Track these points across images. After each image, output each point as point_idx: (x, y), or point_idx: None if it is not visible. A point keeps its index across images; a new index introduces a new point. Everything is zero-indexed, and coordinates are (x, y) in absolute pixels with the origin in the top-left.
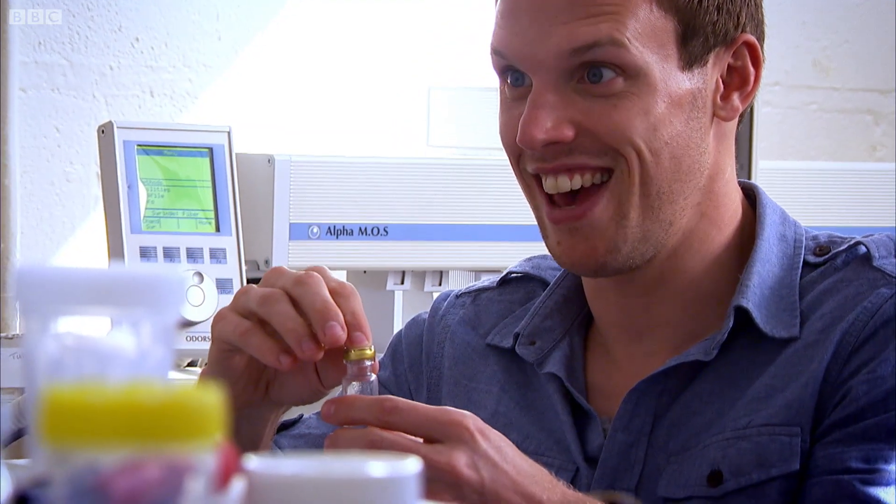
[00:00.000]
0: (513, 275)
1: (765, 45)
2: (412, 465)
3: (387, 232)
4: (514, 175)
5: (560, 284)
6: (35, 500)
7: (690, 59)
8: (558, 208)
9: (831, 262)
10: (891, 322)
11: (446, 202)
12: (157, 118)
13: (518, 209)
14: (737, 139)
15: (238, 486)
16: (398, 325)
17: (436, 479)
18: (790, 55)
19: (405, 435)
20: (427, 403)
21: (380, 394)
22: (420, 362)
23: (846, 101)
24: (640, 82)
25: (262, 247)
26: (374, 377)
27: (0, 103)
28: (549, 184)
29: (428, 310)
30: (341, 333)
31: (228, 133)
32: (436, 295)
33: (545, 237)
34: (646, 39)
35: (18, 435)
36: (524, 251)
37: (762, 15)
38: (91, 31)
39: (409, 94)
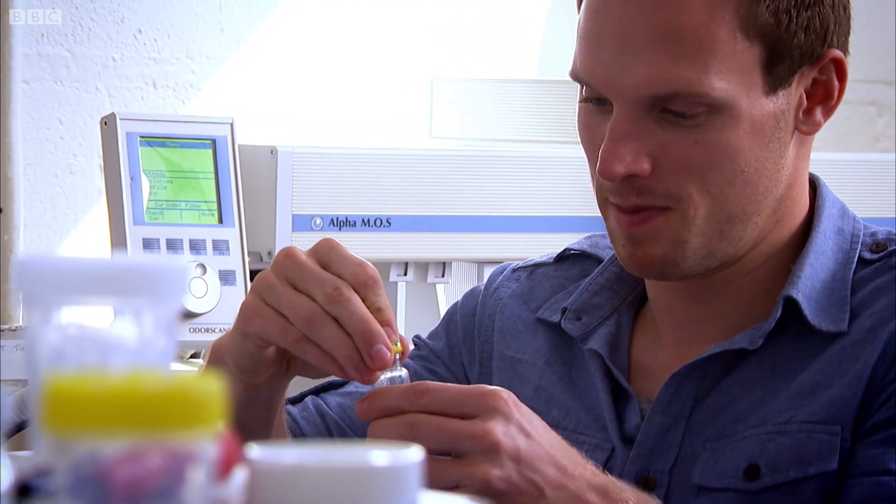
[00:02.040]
0: (570, 251)
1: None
2: (414, 454)
3: (390, 223)
4: (516, 166)
5: (613, 262)
6: (37, 489)
7: (776, 83)
8: (625, 214)
9: (886, 260)
10: None
11: (449, 193)
12: (160, 110)
13: (521, 200)
14: None
15: (240, 474)
16: (402, 317)
17: (474, 449)
18: None
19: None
20: (479, 377)
21: (433, 365)
22: (473, 335)
23: (849, 92)
24: (724, 115)
25: (265, 238)
26: (403, 370)
27: (3, 95)
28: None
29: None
30: (388, 355)
31: (231, 125)
32: (439, 287)
33: (613, 242)
34: (730, 73)
35: (21, 427)
36: (527, 242)
37: (850, 23)
38: (94, 22)
39: (412, 86)
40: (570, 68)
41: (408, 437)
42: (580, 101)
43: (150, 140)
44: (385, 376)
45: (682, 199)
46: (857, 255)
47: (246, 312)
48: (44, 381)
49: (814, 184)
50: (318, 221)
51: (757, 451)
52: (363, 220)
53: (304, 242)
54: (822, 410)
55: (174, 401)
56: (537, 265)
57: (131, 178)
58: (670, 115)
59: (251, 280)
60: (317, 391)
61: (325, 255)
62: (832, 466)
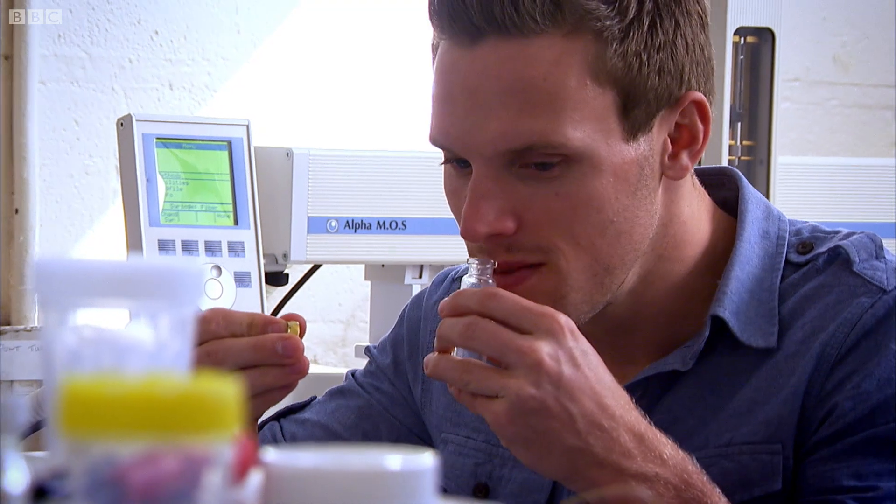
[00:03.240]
0: None
1: (712, 100)
2: (428, 459)
3: (405, 226)
4: None
5: None
6: (53, 491)
7: (634, 128)
8: (497, 275)
9: (813, 263)
10: (872, 333)
11: None
12: (176, 111)
13: None
14: (756, 135)
15: (255, 478)
16: None
17: (517, 362)
18: (810, 51)
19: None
20: (421, 393)
21: (378, 382)
22: (417, 351)
23: (866, 96)
24: (583, 164)
25: (281, 240)
26: (491, 281)
27: (20, 96)
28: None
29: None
30: (291, 342)
31: (247, 126)
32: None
33: None
34: (584, 121)
35: (37, 427)
36: None
37: (711, 65)
38: (110, 24)
39: (429, 88)
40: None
41: (465, 336)
42: (442, 164)
43: (167, 141)
44: (471, 282)
45: (552, 253)
46: (784, 258)
47: (204, 352)
48: (60, 383)
49: (734, 180)
50: (333, 223)
51: None
52: (378, 223)
53: (319, 244)
54: (760, 430)
55: (190, 404)
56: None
57: (147, 180)
58: (529, 168)
59: (266, 282)
60: (277, 416)
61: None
62: (776, 487)
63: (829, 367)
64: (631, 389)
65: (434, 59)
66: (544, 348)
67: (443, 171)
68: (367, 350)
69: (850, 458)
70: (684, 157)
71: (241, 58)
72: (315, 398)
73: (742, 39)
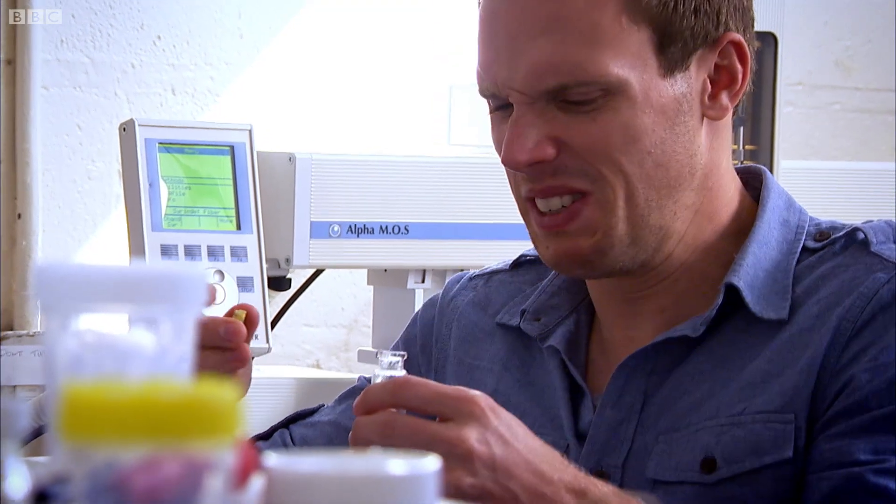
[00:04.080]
0: (526, 258)
1: (752, 42)
2: (432, 464)
3: (408, 230)
4: None
5: None
6: (55, 496)
7: (671, 65)
8: (547, 216)
9: (829, 248)
10: (889, 307)
11: (467, 201)
12: (179, 116)
13: None
14: (759, 139)
15: (257, 483)
16: None
17: (448, 454)
18: (813, 55)
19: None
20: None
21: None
22: (430, 344)
23: (869, 100)
24: (619, 97)
25: (283, 245)
26: (402, 371)
27: (22, 101)
28: (541, 204)
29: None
30: (233, 325)
31: (250, 131)
32: None
33: (538, 247)
34: (619, 56)
35: (38, 432)
36: None
37: (751, 14)
38: (113, 28)
39: (431, 93)
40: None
41: (384, 435)
42: (490, 113)
43: (169, 146)
44: (383, 374)
45: (597, 181)
46: (801, 244)
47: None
48: (62, 388)
49: (759, 177)
50: (335, 228)
51: (712, 443)
52: (381, 227)
53: (321, 249)
54: (774, 400)
55: (192, 409)
56: (494, 272)
57: (150, 185)
58: (568, 103)
59: (269, 286)
60: (286, 423)
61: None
62: (787, 455)
63: (845, 340)
64: (640, 357)
65: (479, 4)
66: (472, 434)
67: (490, 123)
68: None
69: (867, 433)
70: (724, 98)
71: (244, 63)
72: (323, 405)
73: None
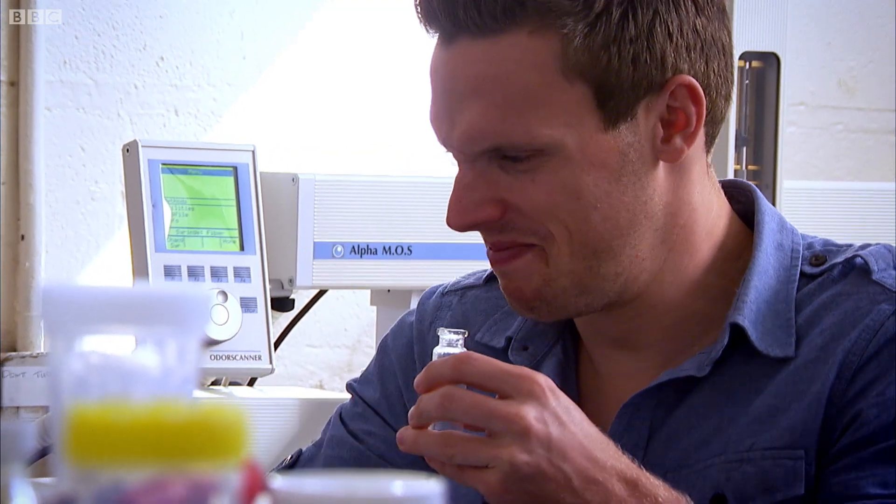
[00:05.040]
0: None
1: (719, 70)
2: (436, 486)
3: (411, 251)
4: None
5: None
6: None
7: (613, 117)
8: (494, 252)
9: (828, 273)
10: (894, 341)
11: None
12: (182, 137)
13: None
14: (762, 159)
15: None
16: None
17: (504, 430)
18: (815, 75)
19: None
20: None
21: (370, 426)
22: (415, 376)
23: (871, 121)
24: (555, 157)
25: (286, 266)
26: (461, 349)
27: (25, 122)
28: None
29: (414, 310)
30: None
31: (253, 152)
32: None
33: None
34: (552, 117)
35: (43, 453)
36: None
37: (717, 45)
38: (116, 49)
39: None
40: None
41: (443, 408)
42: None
43: (172, 167)
44: (443, 352)
45: (545, 237)
46: (799, 271)
47: None
48: (67, 410)
49: (746, 192)
50: (339, 249)
51: (722, 481)
52: (384, 248)
53: (325, 270)
54: (783, 436)
55: (197, 431)
56: (466, 288)
57: (153, 205)
58: (507, 160)
59: (272, 307)
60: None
61: None
62: (799, 492)
63: (850, 374)
64: (645, 396)
65: None
66: (530, 413)
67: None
68: (350, 387)
69: (875, 466)
70: (677, 141)
71: (247, 83)
72: (301, 452)
73: (747, 64)
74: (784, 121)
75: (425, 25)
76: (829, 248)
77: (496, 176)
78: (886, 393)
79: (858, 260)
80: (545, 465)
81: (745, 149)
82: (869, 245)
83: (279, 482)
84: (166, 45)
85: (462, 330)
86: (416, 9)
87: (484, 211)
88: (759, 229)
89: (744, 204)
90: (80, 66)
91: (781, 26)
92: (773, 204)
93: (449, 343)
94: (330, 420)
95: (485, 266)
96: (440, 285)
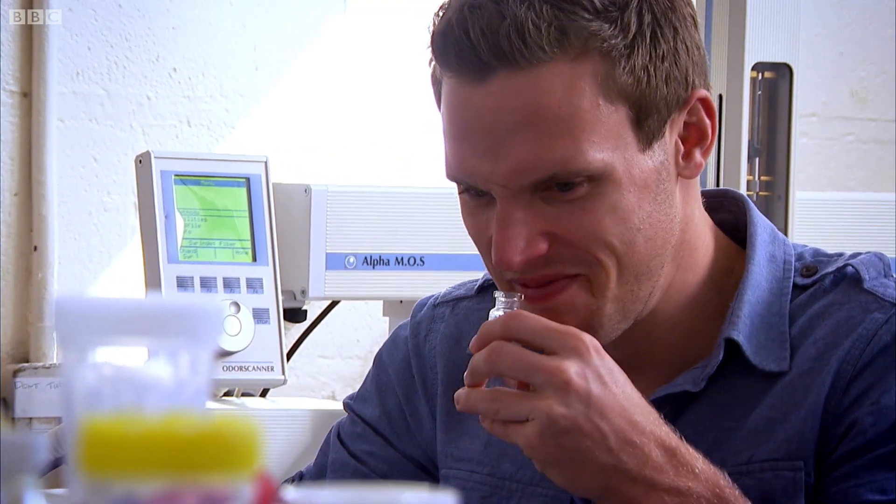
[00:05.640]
0: (490, 281)
1: (711, 94)
2: (449, 498)
3: (423, 262)
4: None
5: None
6: None
7: (649, 137)
8: (533, 289)
9: (819, 284)
10: (888, 348)
11: None
12: (195, 148)
13: None
14: (774, 170)
15: None
16: None
17: (545, 383)
18: (827, 86)
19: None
20: (439, 435)
21: (371, 446)
22: (416, 391)
23: (883, 131)
24: (604, 181)
25: (299, 277)
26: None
27: (38, 133)
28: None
29: (407, 323)
30: None
31: (265, 163)
32: None
33: None
34: (602, 141)
35: (56, 464)
36: None
37: (705, 59)
38: (129, 61)
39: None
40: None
41: (490, 362)
42: (460, 193)
43: (185, 178)
44: (499, 313)
45: (592, 265)
46: (791, 283)
47: None
48: (80, 421)
49: (736, 202)
50: (351, 260)
51: None
52: (397, 259)
53: (337, 281)
54: (781, 447)
55: (210, 442)
56: (458, 299)
57: (165, 217)
58: (553, 191)
59: (285, 318)
60: None
61: None
62: (799, 503)
63: (845, 384)
64: None
65: (437, 93)
66: (572, 367)
67: (459, 202)
68: (347, 406)
69: (873, 473)
70: (697, 155)
71: (259, 94)
72: (301, 475)
73: (760, 75)
74: (796, 132)
75: (445, 63)
76: (820, 259)
77: (541, 209)
78: (882, 401)
79: (849, 269)
80: (582, 420)
81: (757, 160)
82: (860, 254)
83: (292, 494)
84: (179, 57)
85: (517, 294)
86: (438, 47)
87: (536, 247)
88: (751, 241)
89: (734, 214)
90: (92, 77)
91: (794, 37)
92: (786, 215)
93: (505, 305)
94: (328, 439)
95: None
96: (431, 296)
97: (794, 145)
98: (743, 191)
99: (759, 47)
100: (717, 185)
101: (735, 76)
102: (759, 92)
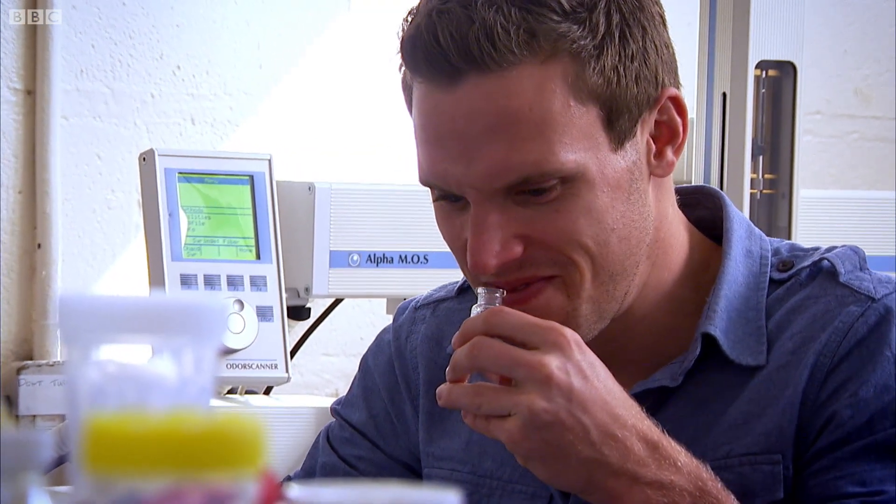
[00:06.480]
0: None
1: (681, 93)
2: (454, 497)
3: (427, 260)
4: None
5: None
6: None
7: (620, 137)
8: (506, 293)
9: (796, 278)
10: (864, 341)
11: None
12: (198, 146)
13: None
14: (778, 168)
15: None
16: None
17: (527, 378)
18: (831, 84)
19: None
20: (421, 435)
21: (359, 450)
22: (400, 393)
23: (887, 129)
24: (577, 182)
25: (303, 274)
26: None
27: (42, 131)
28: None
29: (390, 327)
30: None
31: (269, 161)
32: None
33: None
34: (573, 142)
35: (60, 462)
36: None
37: (674, 57)
38: (133, 59)
39: None
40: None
41: (472, 357)
42: (434, 201)
43: (189, 176)
44: (481, 309)
45: (567, 266)
46: (768, 277)
47: None
48: (84, 419)
49: (712, 198)
50: (355, 258)
51: None
52: (400, 257)
53: (341, 279)
54: (759, 441)
55: (214, 441)
56: (439, 300)
57: (169, 214)
58: (526, 194)
59: (289, 316)
60: None
61: None
62: (778, 496)
63: (823, 377)
64: None
65: (408, 99)
66: (553, 362)
67: (433, 208)
68: (334, 411)
69: (852, 465)
70: (669, 154)
71: (263, 93)
72: (289, 479)
73: (764, 73)
74: (800, 130)
75: (415, 68)
76: (796, 253)
77: (515, 212)
78: (859, 393)
79: (825, 263)
80: (564, 414)
81: (761, 157)
82: (835, 248)
83: (296, 492)
84: (183, 55)
85: (500, 289)
86: (408, 52)
87: (511, 250)
88: (727, 237)
89: (711, 210)
90: (96, 75)
91: (798, 35)
92: (790, 213)
93: (486, 301)
94: (316, 443)
95: None
96: (413, 299)
97: (797, 143)
98: (747, 189)
99: (763, 45)
100: (721, 183)
101: (739, 74)
102: (763, 90)
